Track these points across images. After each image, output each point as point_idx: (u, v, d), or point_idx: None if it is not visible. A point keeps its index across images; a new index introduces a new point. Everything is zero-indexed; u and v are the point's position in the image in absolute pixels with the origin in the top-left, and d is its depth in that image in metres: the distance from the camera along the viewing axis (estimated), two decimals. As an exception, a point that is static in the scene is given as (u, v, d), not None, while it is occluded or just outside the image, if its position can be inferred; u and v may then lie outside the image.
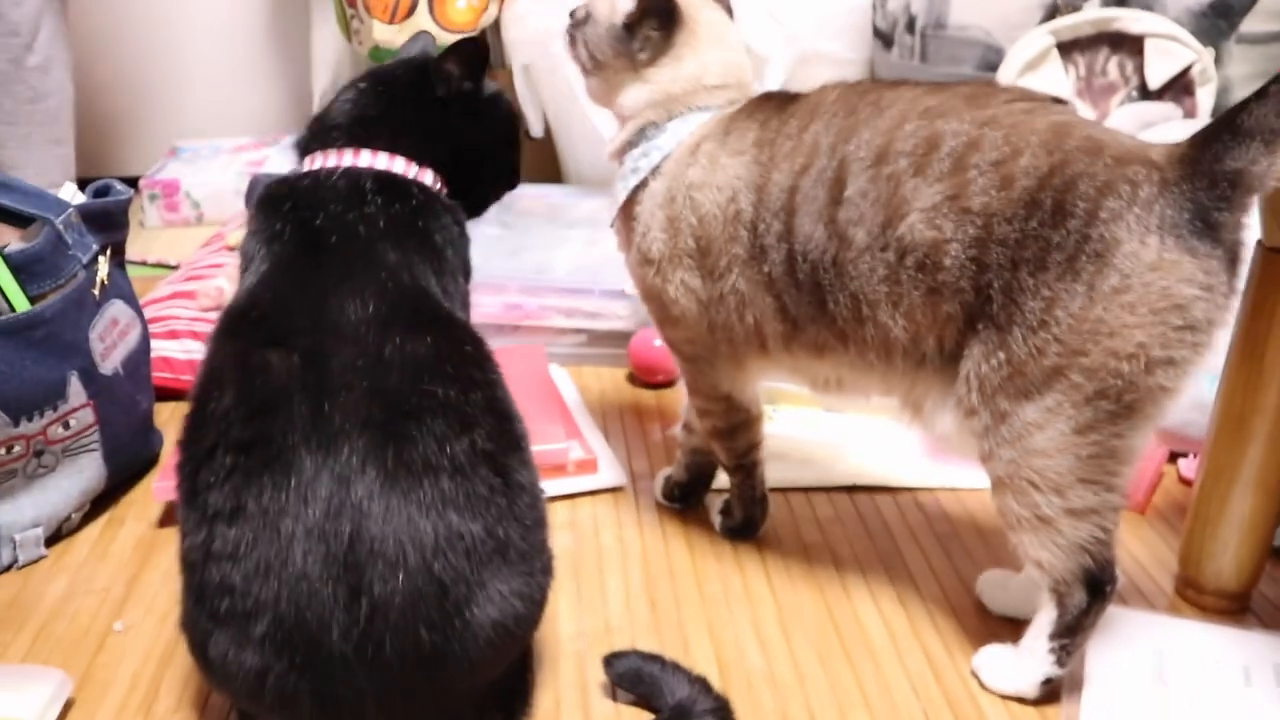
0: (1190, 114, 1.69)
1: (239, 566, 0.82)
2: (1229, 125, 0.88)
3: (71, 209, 1.25)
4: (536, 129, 2.12)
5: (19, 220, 1.24)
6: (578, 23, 1.19)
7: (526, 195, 1.98)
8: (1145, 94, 1.71)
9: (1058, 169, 0.91)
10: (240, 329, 0.92)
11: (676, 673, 0.98)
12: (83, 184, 1.37)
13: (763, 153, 1.06)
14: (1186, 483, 1.35)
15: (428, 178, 1.06)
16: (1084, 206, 0.89)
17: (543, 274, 1.69)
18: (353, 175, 1.02)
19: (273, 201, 1.01)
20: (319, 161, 1.04)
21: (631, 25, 1.14)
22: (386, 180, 1.03)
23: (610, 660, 1.01)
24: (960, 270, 0.94)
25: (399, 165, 1.05)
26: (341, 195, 1.00)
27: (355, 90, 1.10)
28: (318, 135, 1.07)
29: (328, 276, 0.93)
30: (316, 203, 0.99)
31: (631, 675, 1.00)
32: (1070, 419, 0.92)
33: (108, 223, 1.31)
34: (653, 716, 0.97)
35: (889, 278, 0.97)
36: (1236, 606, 1.13)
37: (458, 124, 1.11)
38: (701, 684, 0.96)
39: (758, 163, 1.06)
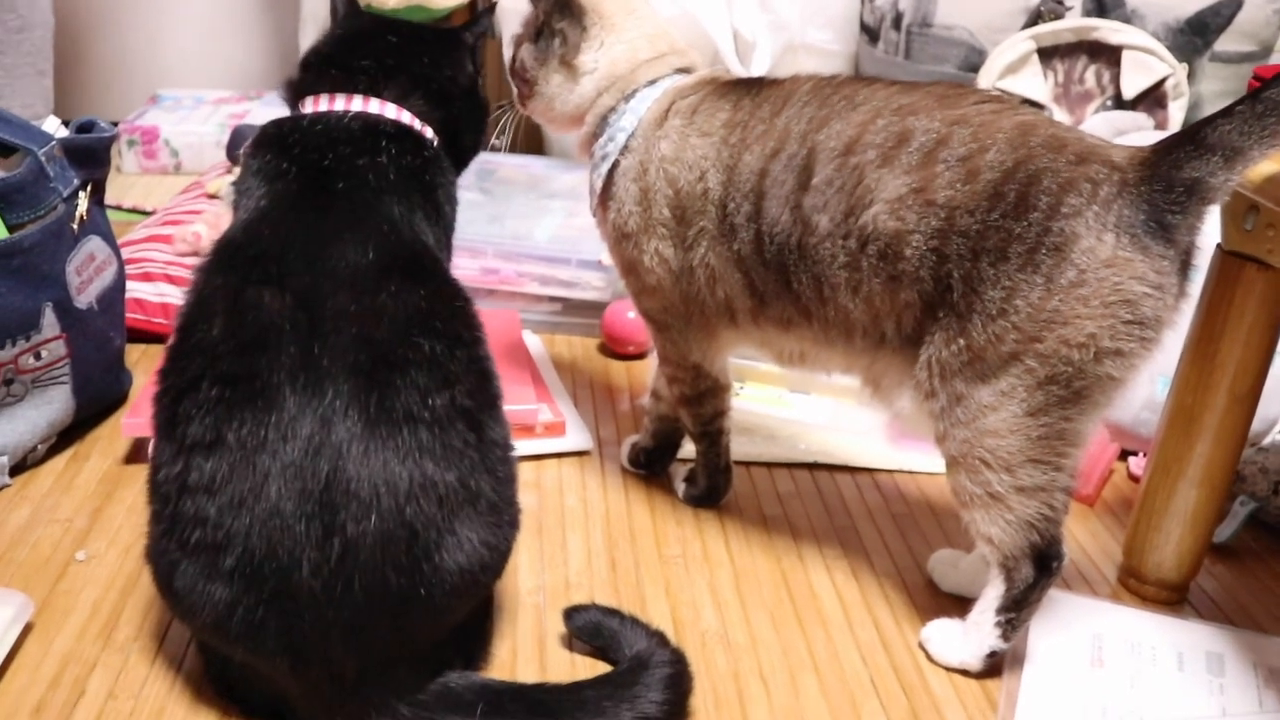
0: (1161, 126, 1.74)
1: (213, 499, 0.83)
2: (1193, 137, 0.91)
3: (55, 142, 1.25)
4: (522, 100, 2.12)
5: (2, 150, 1.24)
6: (513, 71, 1.23)
7: (508, 165, 2.00)
8: (1120, 104, 1.75)
9: (1022, 163, 0.94)
10: (234, 264, 0.91)
11: (635, 626, 1.00)
12: (64, 123, 1.37)
13: (733, 134, 1.08)
14: (1135, 479, 1.39)
15: (429, 133, 1.06)
16: (1046, 201, 0.92)
17: (521, 241, 1.70)
18: (369, 121, 1.01)
19: (278, 140, 1.00)
20: (324, 104, 1.03)
21: (540, 29, 1.18)
22: (401, 131, 1.02)
23: (570, 613, 1.03)
24: (920, 260, 0.97)
25: (407, 118, 1.04)
26: (355, 139, 0.99)
27: (369, 36, 1.09)
28: (324, 77, 1.05)
29: (331, 221, 0.93)
30: (326, 144, 0.98)
31: (591, 628, 1.02)
32: (1023, 402, 0.95)
33: (90, 159, 1.31)
34: (607, 668, 0.99)
35: (850, 264, 1.00)
36: (1175, 597, 1.17)
37: (462, 94, 1.12)
38: (659, 638, 0.98)
39: (727, 144, 1.08)
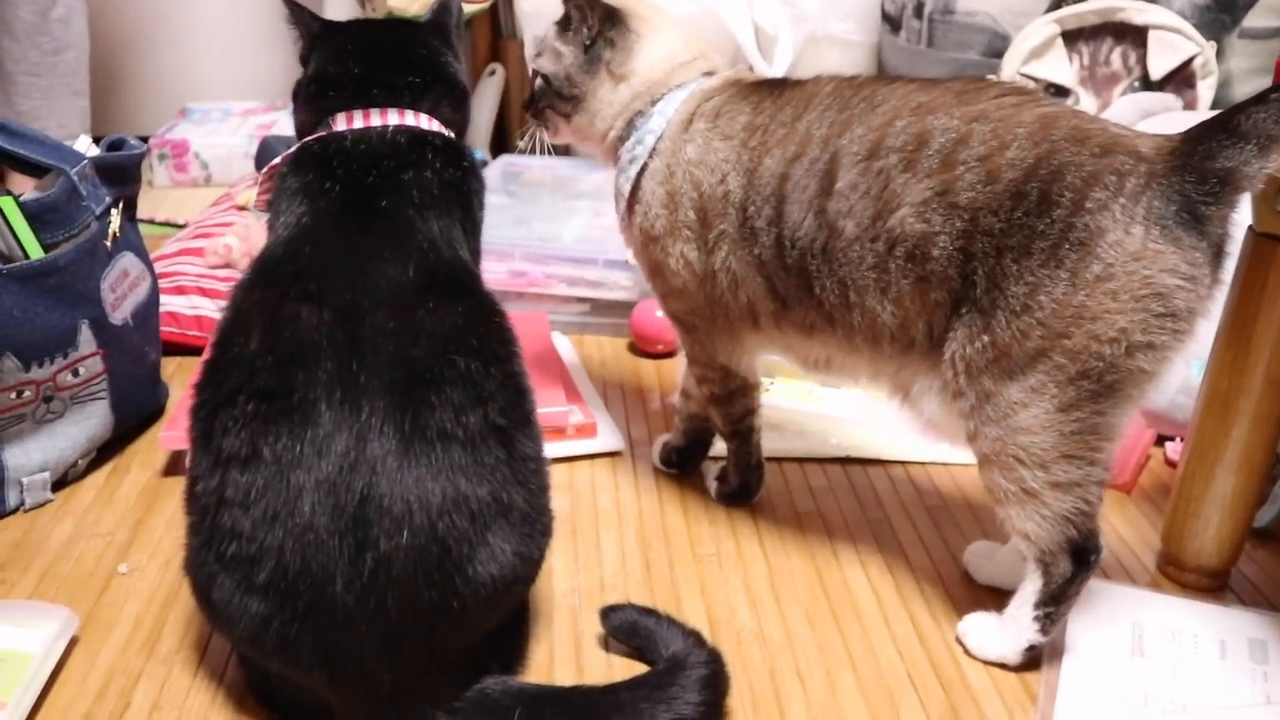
0: (1190, 106, 1.71)
1: (248, 513, 0.84)
2: (1225, 125, 0.90)
3: (86, 161, 1.27)
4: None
5: (35, 170, 1.27)
6: (541, 93, 1.21)
7: (535, 166, 2.01)
8: (1147, 85, 1.73)
9: (1044, 160, 0.92)
10: (274, 279, 0.92)
11: (671, 626, 1.00)
12: (95, 141, 1.39)
13: (753, 138, 1.08)
14: (1172, 465, 1.38)
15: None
16: (1069, 196, 0.91)
17: (548, 243, 1.71)
18: (415, 135, 1.02)
19: (322, 158, 1.00)
20: (359, 120, 1.03)
21: (593, 39, 1.17)
22: (446, 144, 1.04)
23: (607, 612, 1.04)
24: (948, 260, 0.96)
25: (440, 129, 1.06)
26: (400, 153, 1.00)
27: (391, 49, 1.10)
28: (360, 93, 1.05)
29: (373, 239, 0.93)
30: (370, 161, 0.99)
31: (627, 627, 1.02)
32: (1054, 398, 0.94)
33: (121, 176, 1.33)
34: (644, 668, 0.99)
35: (878, 266, 1.00)
36: (1216, 584, 1.15)
37: (465, 94, 1.15)
38: (695, 638, 0.98)
39: (747, 148, 1.08)
